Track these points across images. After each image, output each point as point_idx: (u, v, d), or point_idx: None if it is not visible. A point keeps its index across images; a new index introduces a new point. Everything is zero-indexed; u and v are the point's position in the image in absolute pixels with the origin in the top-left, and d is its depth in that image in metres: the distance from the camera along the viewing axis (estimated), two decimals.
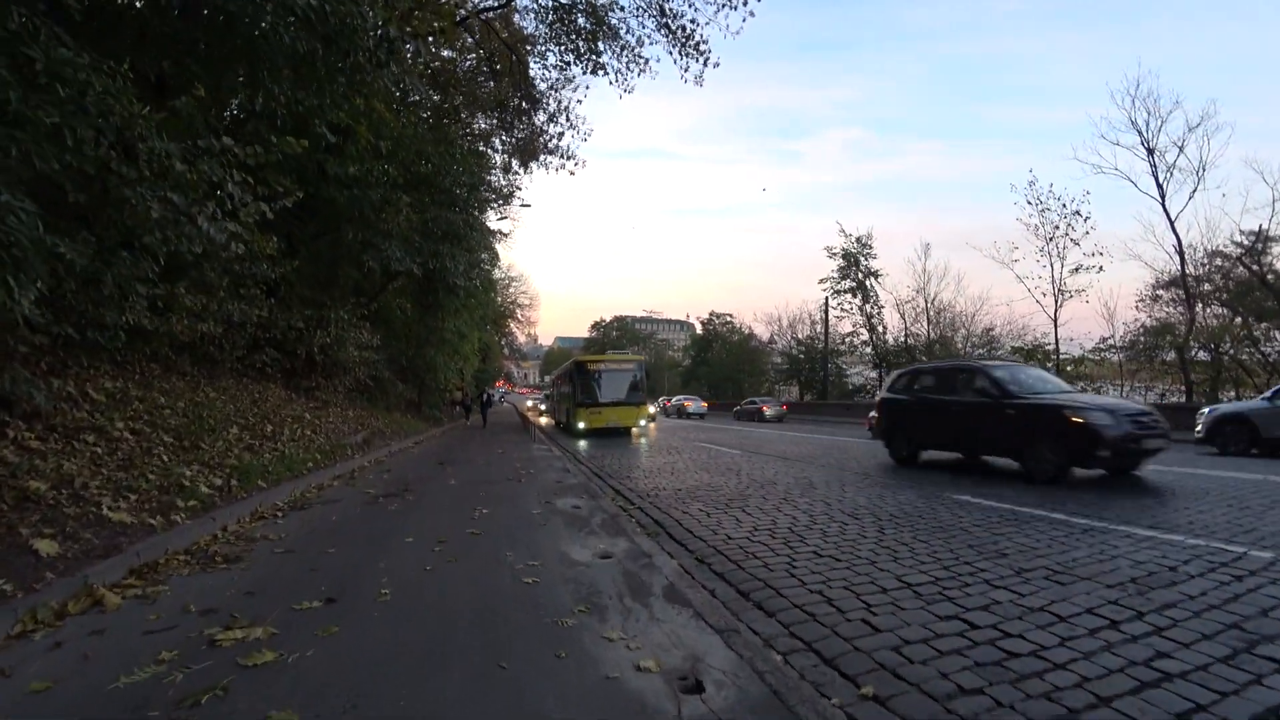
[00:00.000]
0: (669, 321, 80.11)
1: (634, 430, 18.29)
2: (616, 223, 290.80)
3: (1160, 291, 25.63)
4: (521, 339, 67.65)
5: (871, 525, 5.23)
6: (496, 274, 52.78)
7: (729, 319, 58.30)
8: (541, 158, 18.50)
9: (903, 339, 33.94)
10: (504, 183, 22.61)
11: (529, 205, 30.38)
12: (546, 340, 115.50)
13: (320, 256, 14.39)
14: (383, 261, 13.50)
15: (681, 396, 40.12)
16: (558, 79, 16.75)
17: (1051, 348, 25.83)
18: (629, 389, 18.05)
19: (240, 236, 5.89)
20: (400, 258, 13.59)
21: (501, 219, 34.40)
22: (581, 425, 17.19)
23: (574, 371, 18.39)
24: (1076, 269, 24.63)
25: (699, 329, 61.10)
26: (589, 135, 21.03)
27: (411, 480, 8.11)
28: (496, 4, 15.61)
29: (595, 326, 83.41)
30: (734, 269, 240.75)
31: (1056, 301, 25.47)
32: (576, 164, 18.07)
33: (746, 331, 53.04)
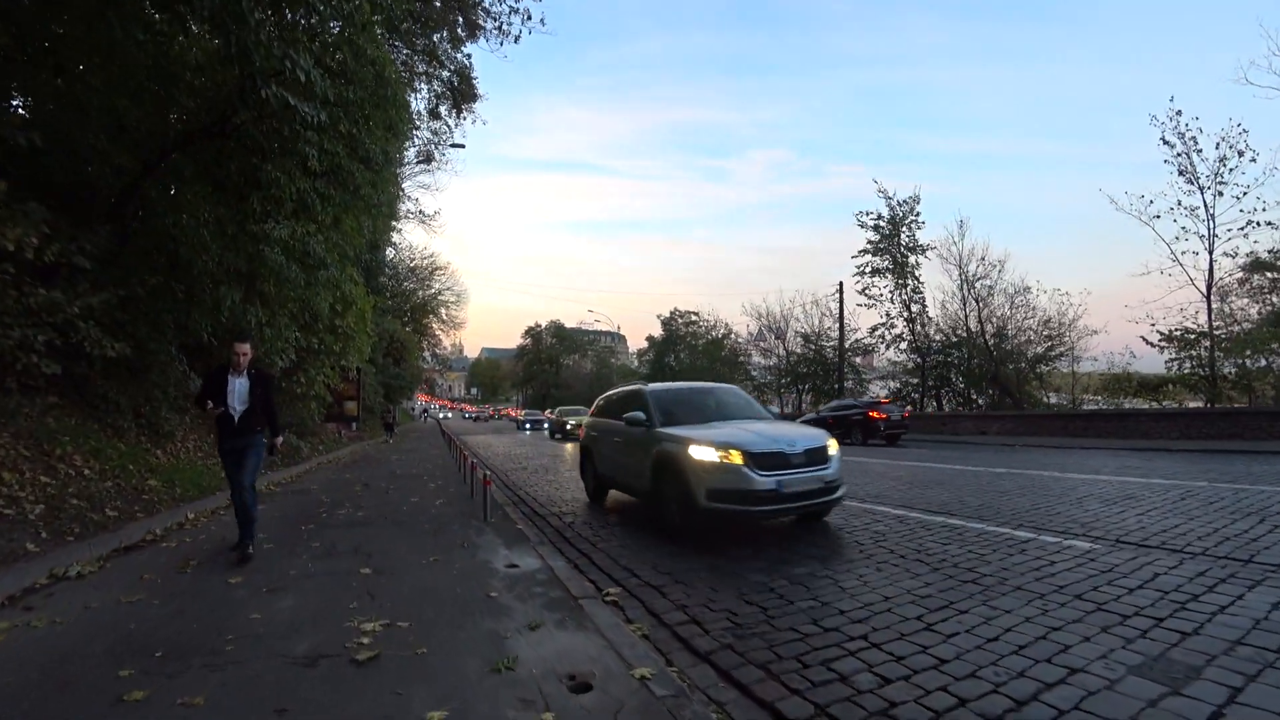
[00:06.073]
0: (602, 332, 71.09)
1: None
2: (542, 236, 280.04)
3: None
4: (447, 344, 56.34)
5: None
6: (413, 259, 41.49)
7: (693, 318, 49.72)
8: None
9: (953, 334, 26.30)
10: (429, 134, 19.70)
11: (462, 146, 21.20)
12: (472, 351, 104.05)
13: None
14: None
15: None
16: None
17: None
18: None
19: None
20: None
21: (424, 167, 24.76)
22: None
23: None
24: (1253, 224, 17.66)
25: (659, 329, 52.07)
26: None
27: None
28: None
29: (529, 333, 73.85)
30: (662, 284, 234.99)
31: (1211, 273, 18.51)
32: None
33: (722, 331, 44.25)
